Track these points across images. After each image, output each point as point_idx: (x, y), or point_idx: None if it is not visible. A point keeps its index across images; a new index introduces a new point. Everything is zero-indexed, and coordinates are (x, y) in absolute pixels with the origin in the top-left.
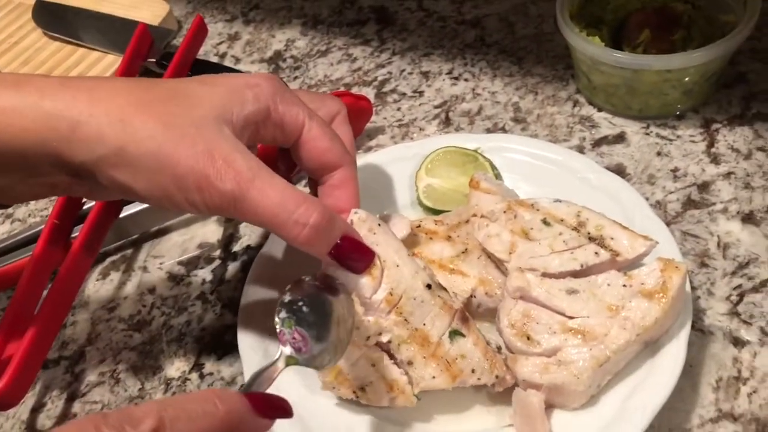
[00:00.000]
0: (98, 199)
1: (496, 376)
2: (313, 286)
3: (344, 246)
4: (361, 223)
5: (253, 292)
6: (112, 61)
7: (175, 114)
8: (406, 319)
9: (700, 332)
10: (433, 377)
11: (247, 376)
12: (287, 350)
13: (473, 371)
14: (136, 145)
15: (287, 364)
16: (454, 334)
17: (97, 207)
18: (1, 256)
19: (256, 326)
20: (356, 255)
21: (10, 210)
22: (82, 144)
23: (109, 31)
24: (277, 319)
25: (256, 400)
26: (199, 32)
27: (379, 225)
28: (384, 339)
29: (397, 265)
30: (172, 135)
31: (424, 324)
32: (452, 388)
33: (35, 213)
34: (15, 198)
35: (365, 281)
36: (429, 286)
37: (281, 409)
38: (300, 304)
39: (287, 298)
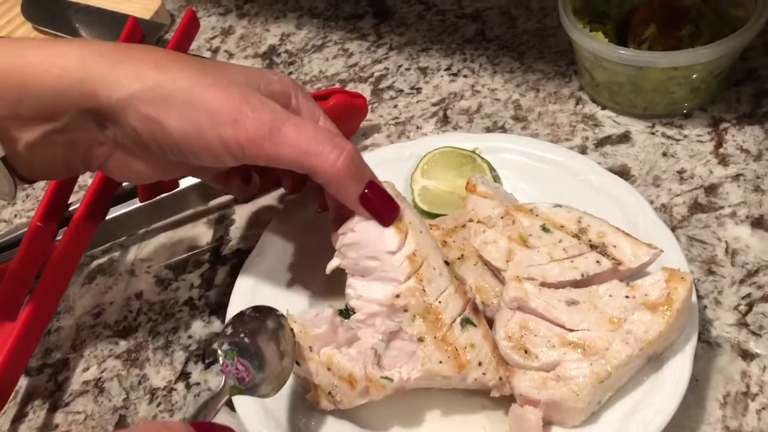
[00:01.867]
0: (115, 167)
1: (500, 378)
2: (254, 318)
3: (373, 191)
4: (390, 187)
5: (241, 300)
6: None
7: (208, 70)
8: (424, 289)
9: (707, 344)
10: (440, 362)
11: None
12: (230, 381)
13: (480, 364)
14: (172, 82)
15: (231, 394)
16: (466, 322)
17: (83, 208)
18: None
19: None
20: (384, 202)
21: None
22: (119, 82)
23: (99, 24)
24: (219, 351)
25: (201, 429)
26: (191, 26)
27: (404, 198)
28: (400, 303)
29: (421, 232)
30: (205, 80)
31: (439, 302)
32: (453, 381)
33: (21, 213)
34: (36, 164)
35: (391, 233)
36: (446, 263)
37: None
38: (242, 335)
39: (229, 330)
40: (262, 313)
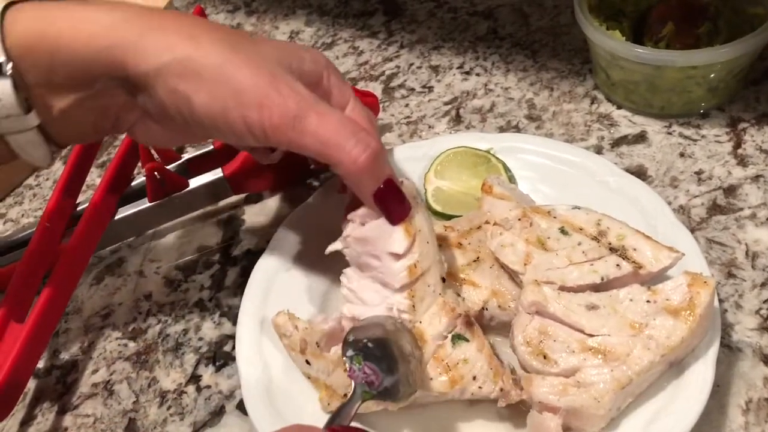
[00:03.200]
0: (143, 132)
1: (501, 389)
2: (373, 324)
3: (387, 189)
4: (409, 187)
5: (253, 301)
6: None
7: (241, 44)
8: (414, 305)
9: (728, 349)
10: (431, 379)
11: (245, 392)
12: (360, 385)
13: (475, 378)
14: (204, 56)
15: (363, 399)
16: (457, 338)
17: (91, 208)
18: None
19: (255, 338)
20: (397, 201)
21: (2, 210)
22: (148, 51)
23: None
24: (345, 358)
25: None
26: None
27: (420, 202)
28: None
29: (428, 242)
30: (237, 57)
31: (420, 322)
32: (451, 395)
33: (29, 213)
34: (68, 129)
35: (400, 235)
36: (444, 280)
37: None
38: (365, 341)
39: (351, 337)
40: (380, 319)
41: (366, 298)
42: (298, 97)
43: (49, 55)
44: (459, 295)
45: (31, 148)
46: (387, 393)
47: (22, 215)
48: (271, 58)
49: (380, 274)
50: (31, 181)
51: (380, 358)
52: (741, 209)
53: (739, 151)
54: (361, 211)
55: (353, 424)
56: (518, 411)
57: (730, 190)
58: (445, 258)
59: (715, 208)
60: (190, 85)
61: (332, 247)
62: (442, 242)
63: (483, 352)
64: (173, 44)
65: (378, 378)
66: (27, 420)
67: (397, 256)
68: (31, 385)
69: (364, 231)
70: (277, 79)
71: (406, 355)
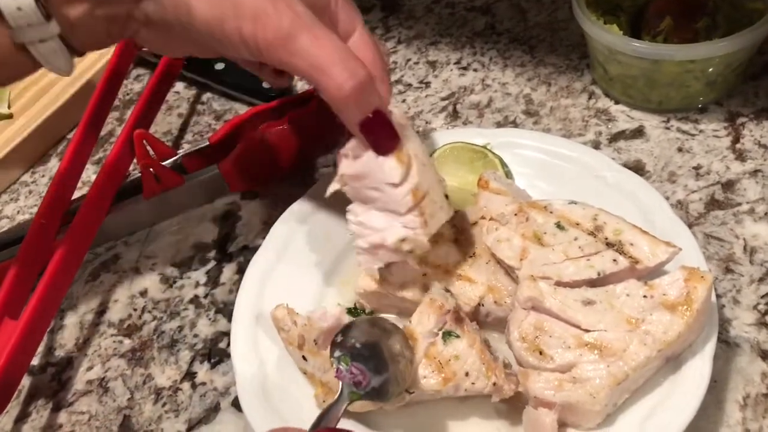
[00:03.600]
0: (148, 37)
1: (494, 384)
2: (363, 324)
3: (375, 120)
4: (400, 116)
5: (248, 298)
6: (106, 50)
7: None
8: (426, 222)
9: (725, 344)
10: (424, 377)
11: (240, 389)
12: (347, 386)
13: (467, 374)
14: None
15: (351, 400)
16: (448, 335)
17: (86, 204)
18: None
19: (250, 335)
20: (384, 132)
21: None
22: None
23: None
24: (332, 359)
25: None
26: None
27: (412, 126)
28: (405, 247)
29: (424, 165)
30: None
31: (410, 322)
32: (444, 392)
33: (24, 210)
34: (85, 37)
35: (393, 164)
36: (446, 196)
37: None
38: (353, 341)
39: (339, 338)
40: (370, 320)
41: (376, 225)
42: (295, 15)
43: None
44: (448, 291)
45: (53, 57)
46: (375, 393)
47: (18, 212)
48: None
49: (385, 204)
50: (26, 177)
51: (368, 358)
52: (739, 204)
53: (738, 145)
54: (351, 143)
55: (341, 424)
56: (514, 407)
57: (729, 185)
58: (441, 254)
59: (713, 203)
60: None
61: (331, 188)
62: (438, 238)
63: (474, 347)
64: None
65: (366, 378)
66: (21, 417)
67: (396, 185)
68: (26, 382)
69: (357, 166)
70: None
71: (395, 355)
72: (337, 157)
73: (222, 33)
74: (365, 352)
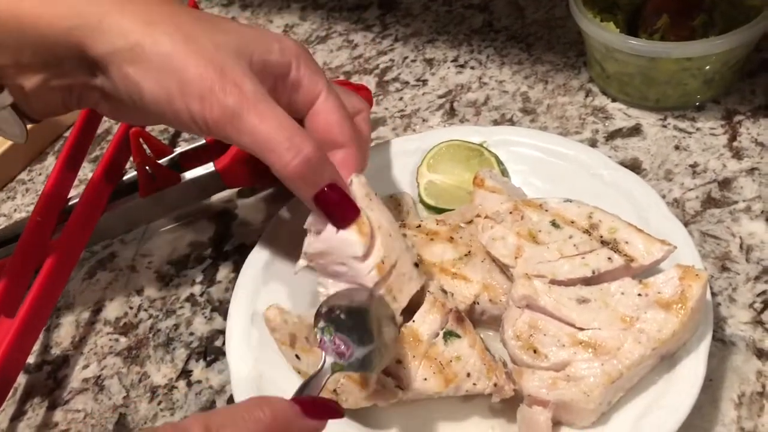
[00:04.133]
0: (106, 109)
1: (494, 384)
2: (346, 295)
3: (330, 193)
4: (360, 186)
5: (244, 297)
6: None
7: (197, 34)
8: (394, 297)
9: (721, 343)
10: (425, 379)
11: (234, 388)
12: (330, 357)
13: (469, 375)
14: (153, 45)
15: (333, 371)
16: (449, 335)
17: (82, 202)
18: None
19: (245, 333)
20: (341, 205)
21: None
22: (105, 35)
23: None
24: (316, 329)
25: (304, 404)
26: None
27: (376, 194)
28: None
29: (390, 235)
30: (189, 47)
31: (414, 321)
32: (445, 393)
33: (21, 208)
34: (39, 106)
35: (355, 238)
36: (416, 265)
37: (331, 409)
38: (337, 312)
39: (324, 308)
40: (353, 291)
41: None
42: (240, 94)
43: (16, 36)
44: (444, 291)
45: (6, 126)
46: (358, 364)
47: (15, 210)
48: (228, 48)
49: (352, 278)
50: (23, 176)
51: (352, 328)
52: (736, 202)
53: (735, 143)
54: (311, 218)
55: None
56: (509, 405)
57: (725, 183)
58: (436, 252)
59: (709, 201)
60: (140, 72)
61: (299, 266)
62: (433, 237)
63: (475, 348)
64: (127, 30)
65: (349, 349)
66: (17, 415)
67: (361, 258)
68: (22, 380)
69: (320, 244)
70: (224, 73)
71: (380, 326)
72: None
73: (171, 111)
74: (349, 323)
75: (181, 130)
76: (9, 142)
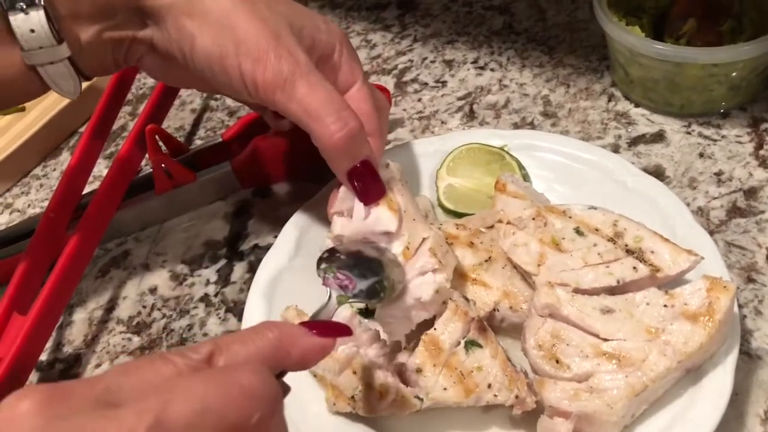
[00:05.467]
0: (151, 63)
1: (516, 396)
2: (348, 243)
3: (363, 169)
4: (395, 170)
5: (259, 298)
6: None
7: (255, 1)
8: (440, 261)
9: (747, 356)
10: (445, 389)
11: None
12: (335, 290)
13: (490, 386)
14: (213, 0)
15: (339, 303)
16: (471, 344)
17: (97, 199)
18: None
19: None
20: (370, 181)
21: (9, 200)
22: None
23: None
24: (318, 270)
25: (312, 324)
26: None
27: (406, 183)
28: (440, 299)
29: (414, 220)
30: (247, 6)
31: (435, 329)
32: (465, 404)
33: (35, 204)
34: (93, 61)
35: (387, 215)
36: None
37: (340, 328)
38: (337, 254)
39: (325, 254)
40: (354, 241)
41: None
42: (294, 61)
43: None
44: (467, 299)
45: (61, 80)
46: (363, 294)
47: (29, 205)
48: (283, 16)
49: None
50: (38, 171)
51: (353, 266)
52: (762, 212)
53: (761, 152)
54: (337, 203)
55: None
56: (533, 416)
57: (751, 192)
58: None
59: (734, 211)
60: (196, 24)
61: (326, 245)
62: (453, 241)
63: (497, 358)
64: None
65: (352, 282)
66: None
67: (395, 234)
68: (34, 378)
69: (352, 224)
70: (279, 39)
71: (383, 262)
72: (330, 216)
73: (222, 68)
74: (350, 262)
75: (221, 92)
76: (24, 137)
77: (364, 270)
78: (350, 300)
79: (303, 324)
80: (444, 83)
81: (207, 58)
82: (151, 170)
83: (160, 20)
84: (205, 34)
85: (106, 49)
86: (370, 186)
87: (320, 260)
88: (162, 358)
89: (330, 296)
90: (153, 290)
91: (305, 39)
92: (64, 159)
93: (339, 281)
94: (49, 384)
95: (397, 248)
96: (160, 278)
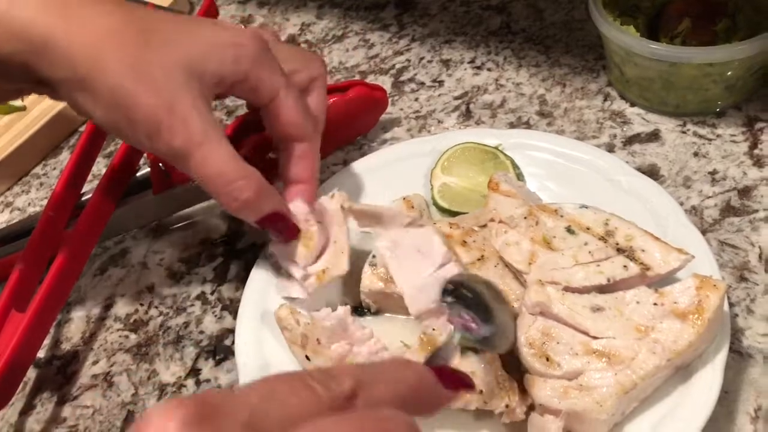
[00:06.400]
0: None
1: (506, 406)
2: (472, 279)
3: (270, 218)
4: (338, 201)
5: (254, 296)
6: None
7: (147, 58)
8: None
9: (738, 354)
10: None
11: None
12: (459, 330)
13: (481, 392)
14: (102, 79)
15: (462, 344)
16: (466, 349)
17: (95, 198)
18: None
19: (255, 332)
20: (280, 227)
21: (9, 198)
22: (51, 62)
23: None
24: (443, 304)
25: (443, 372)
26: (209, 14)
27: (349, 207)
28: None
29: (342, 253)
30: (137, 79)
31: (434, 329)
32: (456, 407)
33: (35, 202)
34: None
35: (300, 250)
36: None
37: (465, 382)
38: (463, 290)
39: (450, 287)
40: (475, 277)
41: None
42: (187, 133)
43: None
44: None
45: None
46: (485, 342)
47: (29, 204)
48: (178, 71)
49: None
50: (38, 170)
51: (478, 307)
52: (756, 211)
53: (756, 151)
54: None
55: None
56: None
57: (745, 192)
58: None
59: (728, 210)
60: (89, 103)
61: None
62: (447, 239)
63: (493, 365)
64: (74, 60)
65: (477, 325)
66: (26, 410)
67: (301, 267)
68: (31, 374)
69: (274, 248)
70: (172, 110)
71: (502, 306)
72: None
73: (123, 137)
74: (476, 301)
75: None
76: (24, 137)
77: (486, 312)
78: (473, 344)
79: (434, 370)
80: (441, 83)
81: (108, 129)
82: (149, 170)
83: (55, 92)
84: (99, 112)
85: (7, 93)
86: (281, 230)
87: (444, 293)
88: (304, 384)
89: (453, 335)
90: (150, 288)
91: (208, 81)
92: (64, 158)
93: (464, 322)
94: (197, 398)
95: (312, 269)
96: (157, 276)
